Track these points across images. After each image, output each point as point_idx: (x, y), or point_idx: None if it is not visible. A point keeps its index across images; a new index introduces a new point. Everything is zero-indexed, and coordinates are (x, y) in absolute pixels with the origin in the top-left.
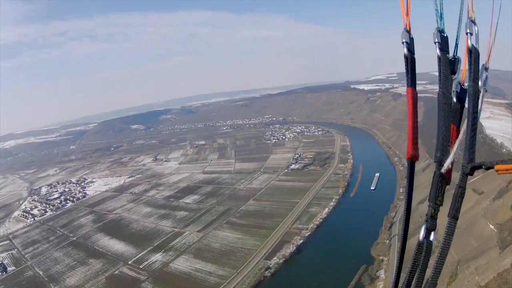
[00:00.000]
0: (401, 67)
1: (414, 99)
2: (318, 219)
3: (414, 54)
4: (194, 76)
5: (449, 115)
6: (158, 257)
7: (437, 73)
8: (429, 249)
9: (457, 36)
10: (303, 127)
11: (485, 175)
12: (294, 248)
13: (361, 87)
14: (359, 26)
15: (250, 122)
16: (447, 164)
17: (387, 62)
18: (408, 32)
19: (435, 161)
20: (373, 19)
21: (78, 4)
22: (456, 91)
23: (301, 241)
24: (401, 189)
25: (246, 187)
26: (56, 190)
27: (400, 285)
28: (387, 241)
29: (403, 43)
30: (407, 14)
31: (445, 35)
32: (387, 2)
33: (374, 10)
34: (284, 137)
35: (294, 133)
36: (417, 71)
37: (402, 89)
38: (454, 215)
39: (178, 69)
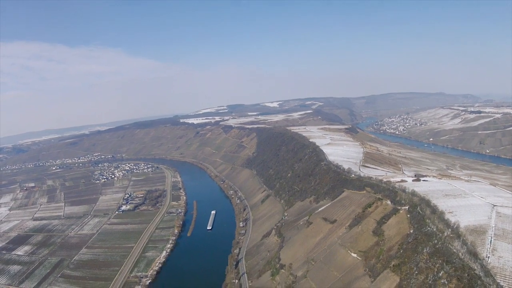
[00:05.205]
0: (232, 100)
1: None
2: (157, 264)
3: None
4: (27, 112)
5: None
6: None
7: (269, 104)
8: None
9: None
10: (132, 164)
11: (334, 203)
12: None
13: (190, 121)
14: (191, 60)
15: (79, 161)
16: None
17: (218, 95)
18: None
19: None
20: (204, 53)
21: None
22: None
23: None
24: (241, 223)
25: (77, 234)
26: None
27: None
28: (236, 280)
29: None
30: None
31: None
32: (218, 38)
33: (205, 44)
34: (113, 176)
35: (123, 171)
36: (248, 103)
37: (233, 121)
38: None
39: (12, 104)
